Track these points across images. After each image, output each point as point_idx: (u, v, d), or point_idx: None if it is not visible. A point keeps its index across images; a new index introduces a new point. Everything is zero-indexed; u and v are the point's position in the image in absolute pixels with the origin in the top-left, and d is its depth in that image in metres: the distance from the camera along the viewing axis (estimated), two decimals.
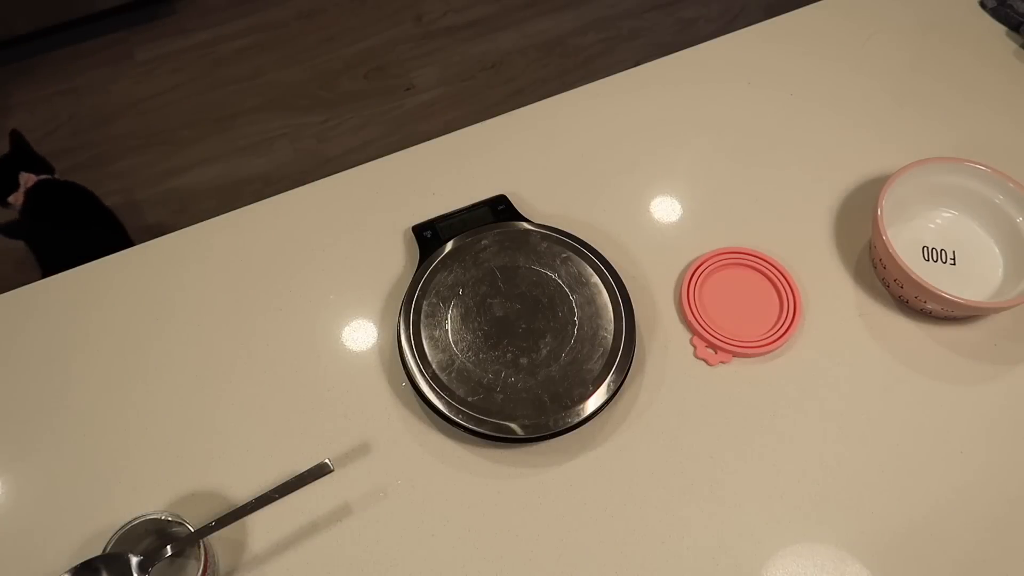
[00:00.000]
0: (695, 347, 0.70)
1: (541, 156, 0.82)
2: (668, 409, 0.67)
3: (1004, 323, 0.72)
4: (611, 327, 0.67)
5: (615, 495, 0.63)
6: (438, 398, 0.63)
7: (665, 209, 0.78)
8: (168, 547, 0.56)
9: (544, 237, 0.72)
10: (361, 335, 0.70)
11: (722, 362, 0.69)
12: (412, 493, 0.63)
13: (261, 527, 0.61)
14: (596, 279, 0.69)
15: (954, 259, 0.74)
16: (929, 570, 0.60)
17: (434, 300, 0.68)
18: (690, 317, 0.70)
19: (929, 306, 0.69)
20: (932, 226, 0.76)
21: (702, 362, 0.69)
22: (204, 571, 0.55)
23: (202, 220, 0.77)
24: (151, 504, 0.62)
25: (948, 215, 0.76)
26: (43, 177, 1.39)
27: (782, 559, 0.60)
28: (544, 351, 0.66)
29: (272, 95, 1.89)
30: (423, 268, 0.70)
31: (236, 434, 0.65)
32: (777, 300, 0.72)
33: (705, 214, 0.78)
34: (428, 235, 0.73)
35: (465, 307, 0.68)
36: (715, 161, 0.82)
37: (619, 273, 0.70)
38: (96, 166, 1.76)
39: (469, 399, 0.63)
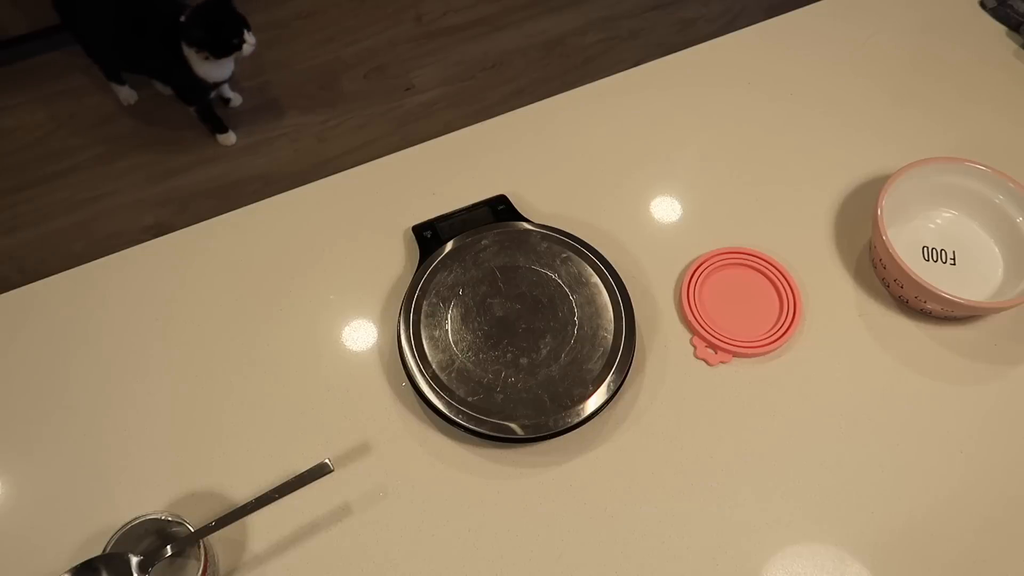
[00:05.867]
0: (695, 347, 0.70)
1: (541, 156, 0.82)
2: (668, 409, 0.67)
3: (1004, 323, 0.72)
4: (611, 327, 0.67)
5: (615, 495, 0.63)
6: (438, 398, 0.63)
7: (665, 209, 0.78)
8: (168, 547, 0.56)
9: (544, 237, 0.72)
10: (361, 335, 0.70)
11: (722, 362, 0.69)
12: (412, 493, 0.63)
13: (261, 527, 0.61)
14: (596, 279, 0.69)
15: (954, 259, 0.74)
16: (929, 570, 0.60)
17: (434, 300, 0.68)
18: (690, 317, 0.70)
19: (929, 306, 0.69)
20: (932, 226, 0.76)
21: (702, 362, 0.69)
22: (204, 571, 0.54)
23: (202, 220, 0.77)
24: (151, 504, 0.62)
25: (948, 215, 0.76)
26: None
27: (782, 559, 0.60)
28: (544, 351, 0.66)
29: (272, 95, 1.89)
30: (423, 268, 0.70)
31: (236, 434, 0.65)
32: (777, 300, 0.72)
33: (705, 214, 0.78)
34: (428, 235, 0.73)
35: (465, 307, 0.68)
36: (715, 161, 0.82)
37: (619, 273, 0.70)
38: (96, 166, 1.76)
39: (469, 399, 0.63)
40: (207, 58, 1.50)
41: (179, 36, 1.48)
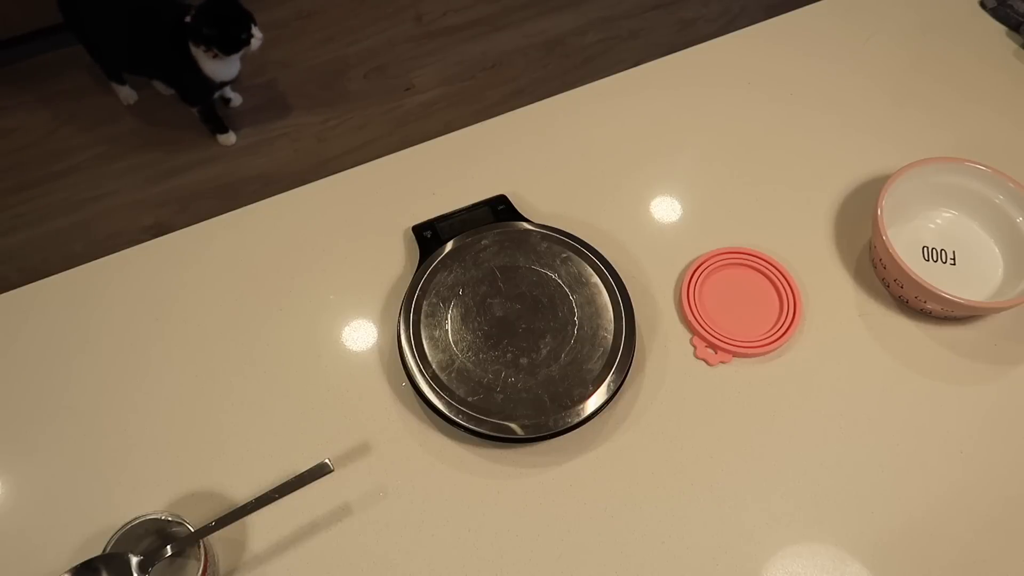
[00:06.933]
0: (695, 347, 0.70)
1: (541, 156, 0.82)
2: (668, 409, 0.67)
3: (1004, 323, 0.72)
4: (611, 327, 0.67)
5: (615, 495, 0.63)
6: (438, 398, 0.63)
7: (665, 209, 0.78)
8: (168, 547, 0.56)
9: (544, 237, 0.72)
10: (361, 335, 0.70)
11: (722, 362, 0.69)
12: (412, 493, 0.63)
13: (261, 527, 0.61)
14: (596, 279, 0.69)
15: (954, 259, 0.74)
16: (929, 570, 0.60)
17: (434, 300, 0.68)
18: (690, 317, 0.70)
19: (929, 306, 0.69)
20: (932, 226, 0.76)
21: (702, 362, 0.69)
22: (204, 571, 0.54)
23: (202, 220, 0.77)
24: (151, 504, 0.62)
25: (948, 215, 0.76)
26: None
27: (782, 559, 0.60)
28: (544, 351, 0.66)
29: (272, 95, 1.89)
30: (423, 268, 0.70)
31: (236, 434, 0.65)
32: (777, 300, 0.72)
33: (705, 214, 0.78)
34: (428, 235, 0.73)
35: (465, 307, 0.68)
36: (715, 161, 0.82)
37: (619, 273, 0.70)
38: (97, 166, 1.76)
39: (469, 399, 0.63)
40: (215, 56, 1.50)
41: (186, 36, 1.48)
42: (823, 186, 0.80)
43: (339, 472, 0.63)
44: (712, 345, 0.69)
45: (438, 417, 0.64)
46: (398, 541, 0.61)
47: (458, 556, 0.60)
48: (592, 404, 0.63)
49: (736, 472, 0.64)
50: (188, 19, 1.46)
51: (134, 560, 0.54)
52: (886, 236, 0.68)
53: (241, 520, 0.57)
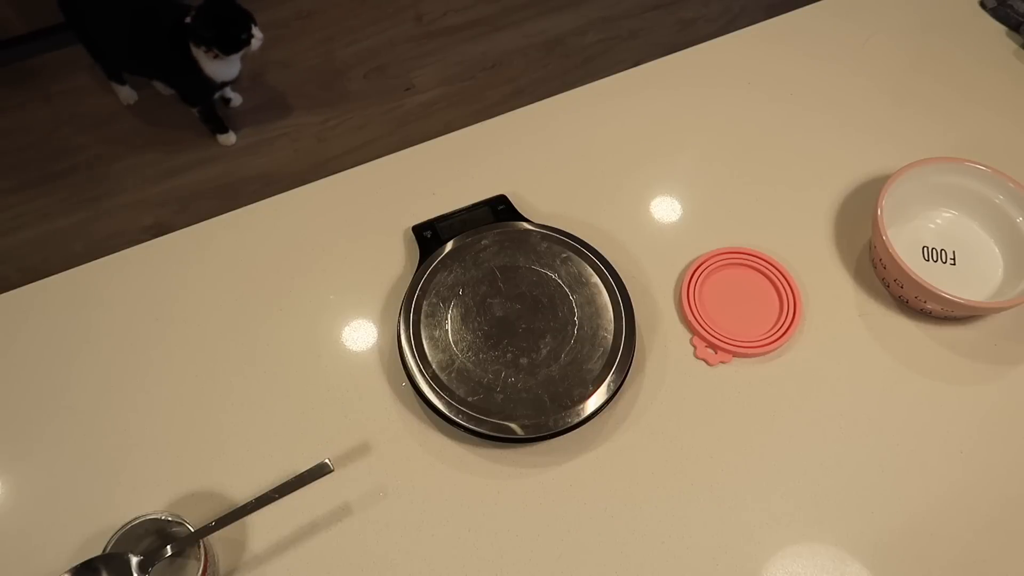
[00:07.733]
0: (695, 347, 0.70)
1: (541, 156, 0.82)
2: (668, 409, 0.67)
3: (1004, 323, 0.72)
4: (611, 327, 0.67)
5: (615, 495, 0.63)
6: (438, 398, 0.63)
7: (665, 209, 0.78)
8: (168, 547, 0.56)
9: (544, 237, 0.72)
10: (361, 335, 0.70)
11: (722, 362, 0.69)
12: (412, 493, 0.63)
13: (261, 527, 0.61)
14: (596, 279, 0.69)
15: (954, 259, 0.74)
16: (928, 570, 0.60)
17: (434, 300, 0.68)
18: (690, 317, 0.70)
19: (929, 306, 0.69)
20: (932, 226, 0.76)
21: (702, 362, 0.69)
22: (204, 571, 0.55)
23: (202, 220, 0.77)
24: (151, 504, 0.62)
25: (948, 215, 0.76)
26: None
27: (782, 559, 0.60)
28: (544, 351, 0.66)
29: (272, 95, 1.89)
30: (423, 268, 0.70)
31: (236, 434, 0.65)
32: (777, 300, 0.72)
33: (705, 214, 0.78)
34: (428, 235, 0.73)
35: (465, 307, 0.68)
36: (715, 161, 0.82)
37: (619, 273, 0.70)
38: (97, 166, 1.76)
39: (469, 399, 0.63)
40: (216, 56, 1.51)
41: (187, 37, 1.49)
42: (823, 186, 0.80)
43: (339, 472, 0.63)
44: (712, 345, 0.69)
45: (438, 417, 0.64)
46: (398, 541, 0.61)
47: (458, 556, 0.60)
48: (592, 404, 0.63)
49: (736, 472, 0.64)
50: (188, 20, 1.46)
51: (134, 560, 0.54)
52: (886, 236, 0.68)
53: (241, 520, 0.57)
